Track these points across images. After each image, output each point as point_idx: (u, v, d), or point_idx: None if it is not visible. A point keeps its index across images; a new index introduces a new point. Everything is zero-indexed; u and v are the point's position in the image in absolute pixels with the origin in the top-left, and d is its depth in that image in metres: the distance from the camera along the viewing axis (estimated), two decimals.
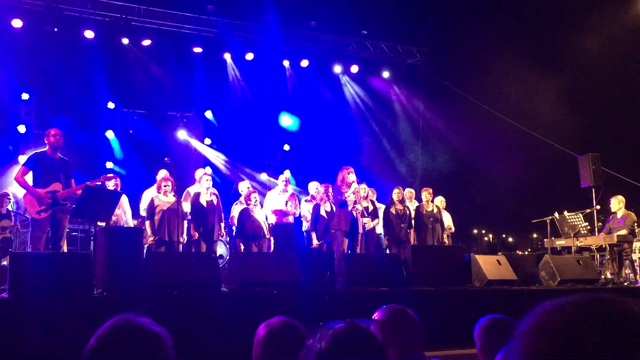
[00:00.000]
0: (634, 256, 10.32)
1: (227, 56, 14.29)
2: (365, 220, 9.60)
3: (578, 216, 10.20)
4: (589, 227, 10.31)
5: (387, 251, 10.34)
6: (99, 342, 1.67)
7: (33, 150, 8.54)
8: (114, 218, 8.99)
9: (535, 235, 24.87)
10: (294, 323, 2.65)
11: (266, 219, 10.04)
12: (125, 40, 12.78)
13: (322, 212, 9.84)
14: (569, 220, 10.14)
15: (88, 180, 7.71)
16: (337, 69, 14.93)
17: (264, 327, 2.65)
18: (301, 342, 2.54)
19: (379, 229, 10.59)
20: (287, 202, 10.63)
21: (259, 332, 2.64)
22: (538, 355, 0.76)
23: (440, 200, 11.19)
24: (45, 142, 7.58)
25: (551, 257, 9.02)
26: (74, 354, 1.65)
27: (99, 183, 7.80)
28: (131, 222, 9.84)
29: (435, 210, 10.67)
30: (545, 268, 8.78)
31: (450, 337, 6.51)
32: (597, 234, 10.53)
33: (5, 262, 8.34)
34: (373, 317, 3.07)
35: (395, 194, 10.45)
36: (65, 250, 9.32)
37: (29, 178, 7.46)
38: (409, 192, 11.42)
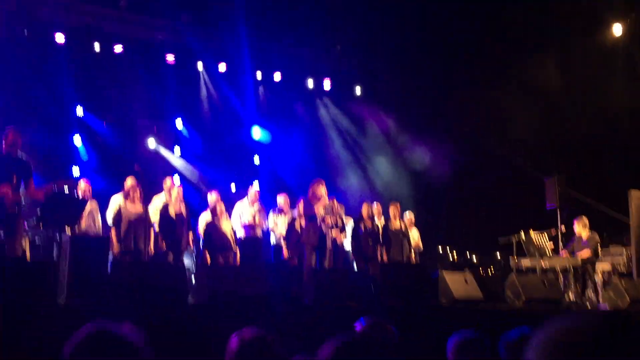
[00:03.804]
0: (596, 278, 10.49)
1: (200, 65, 14.23)
2: (333, 234, 9.57)
3: (543, 236, 10.35)
4: (553, 248, 10.46)
5: (355, 267, 10.34)
6: (73, 352, 1.62)
7: None
8: (83, 226, 8.79)
9: (499, 256, 25.08)
10: (264, 333, 2.65)
11: (234, 231, 9.95)
12: (97, 46, 12.62)
13: (297, 226, 9.80)
14: (535, 241, 10.28)
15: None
16: (310, 83, 14.99)
17: (235, 336, 2.64)
18: (272, 353, 2.54)
19: (347, 245, 10.59)
20: (255, 214, 10.57)
21: (231, 342, 2.64)
22: None
23: (408, 217, 11.23)
24: (2, 142, 7.17)
25: (517, 276, 9.13)
26: None
27: (54, 189, 7.41)
28: (101, 230, 9.62)
29: (404, 227, 10.72)
30: (511, 287, 8.89)
31: (417, 354, 6.51)
32: (561, 253, 10.68)
33: None
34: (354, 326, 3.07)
35: (365, 210, 10.47)
36: (27, 256, 9.13)
37: None
38: (377, 207, 11.45)
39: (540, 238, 10.35)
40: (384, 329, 3.06)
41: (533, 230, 10.51)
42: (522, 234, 10.50)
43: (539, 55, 12.62)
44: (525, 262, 10.46)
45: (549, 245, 10.27)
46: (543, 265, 10.09)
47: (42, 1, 11.79)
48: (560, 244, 11.19)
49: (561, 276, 10.27)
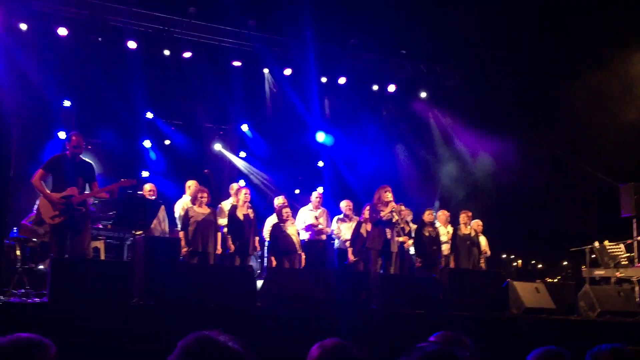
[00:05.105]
0: None
1: (266, 71, 14.36)
2: (401, 239, 9.48)
3: (619, 246, 9.98)
4: (629, 258, 10.07)
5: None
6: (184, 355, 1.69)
7: None
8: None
9: (565, 263, 24.41)
10: (348, 345, 2.61)
11: (298, 234, 9.98)
12: (166, 52, 12.90)
13: (363, 231, 9.77)
14: (609, 250, 9.92)
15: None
16: (375, 87, 14.91)
17: (317, 347, 2.61)
18: None
19: (412, 250, 10.54)
20: (319, 219, 10.58)
21: (312, 352, 2.61)
22: None
23: (477, 224, 11.08)
24: (66, 145, 7.40)
25: (591, 287, 8.83)
26: None
27: (115, 189, 7.47)
28: (167, 232, 9.82)
29: (473, 233, 10.57)
30: (584, 298, 8.59)
31: None
32: (637, 264, 10.28)
33: (42, 267, 8.38)
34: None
35: (427, 216, 10.41)
36: (102, 256, 9.40)
37: (48, 182, 7.29)
38: (444, 214, 11.33)
39: (615, 248, 9.97)
40: (460, 342, 2.97)
41: (607, 240, 10.14)
42: (596, 243, 10.14)
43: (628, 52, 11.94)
44: (599, 272, 10.10)
45: (624, 255, 9.88)
46: (618, 276, 9.73)
47: (115, 10, 12.13)
48: (636, 254, 10.75)
49: (638, 287, 9.88)
